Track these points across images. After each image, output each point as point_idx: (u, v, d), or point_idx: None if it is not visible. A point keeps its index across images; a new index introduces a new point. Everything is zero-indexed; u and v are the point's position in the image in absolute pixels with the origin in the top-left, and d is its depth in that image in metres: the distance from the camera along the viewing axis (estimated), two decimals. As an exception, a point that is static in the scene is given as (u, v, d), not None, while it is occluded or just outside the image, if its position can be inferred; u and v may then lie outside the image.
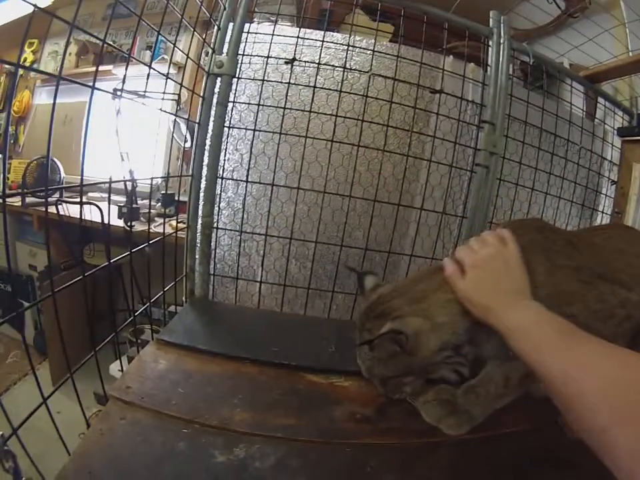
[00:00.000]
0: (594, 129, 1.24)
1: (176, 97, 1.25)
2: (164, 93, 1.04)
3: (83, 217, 1.38)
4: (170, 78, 0.83)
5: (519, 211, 0.98)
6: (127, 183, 1.42)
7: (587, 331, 0.48)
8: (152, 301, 0.86)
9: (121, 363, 0.86)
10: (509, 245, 0.51)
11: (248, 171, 0.92)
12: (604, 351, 0.37)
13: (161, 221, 1.16)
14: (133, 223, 1.34)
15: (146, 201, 1.46)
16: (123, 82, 1.00)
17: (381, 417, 0.57)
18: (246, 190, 0.92)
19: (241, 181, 0.93)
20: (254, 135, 0.92)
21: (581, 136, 1.15)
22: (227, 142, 0.96)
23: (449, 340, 0.52)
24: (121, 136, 1.40)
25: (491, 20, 0.98)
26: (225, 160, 0.96)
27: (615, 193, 1.30)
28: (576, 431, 0.36)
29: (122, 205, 1.48)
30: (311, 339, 0.77)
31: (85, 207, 1.48)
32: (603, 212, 1.25)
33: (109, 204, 0.96)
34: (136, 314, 0.82)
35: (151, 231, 0.84)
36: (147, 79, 0.75)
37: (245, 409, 0.53)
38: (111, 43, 2.09)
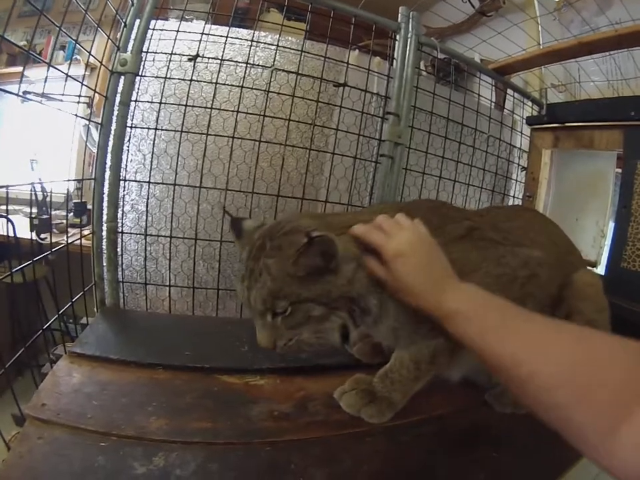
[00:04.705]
0: (502, 118, 1.31)
1: (85, 99, 1.18)
2: (62, 94, 0.98)
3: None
4: (73, 77, 0.79)
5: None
6: (37, 192, 1.32)
7: None
8: (60, 312, 0.82)
9: (35, 382, 0.81)
10: (421, 227, 0.48)
11: (150, 171, 0.88)
12: (552, 327, 0.37)
13: (74, 231, 1.10)
14: (45, 235, 1.25)
15: (59, 212, 1.37)
16: (20, 81, 0.93)
17: (300, 413, 0.57)
18: (149, 191, 0.88)
19: (144, 182, 0.89)
20: (155, 134, 0.88)
21: (489, 125, 1.21)
22: (130, 142, 0.92)
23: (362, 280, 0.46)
24: (30, 142, 1.30)
25: (399, 15, 1.01)
26: (127, 161, 0.92)
27: (525, 178, 1.39)
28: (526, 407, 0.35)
29: (34, 216, 1.38)
30: (223, 340, 0.76)
31: (-3, 220, 1.36)
32: (514, 197, 1.33)
33: (7, 213, 0.89)
34: (44, 327, 0.78)
35: (60, 241, 0.79)
36: (45, 81, 0.73)
37: (160, 416, 0.52)
38: (25, 42, 1.95)
